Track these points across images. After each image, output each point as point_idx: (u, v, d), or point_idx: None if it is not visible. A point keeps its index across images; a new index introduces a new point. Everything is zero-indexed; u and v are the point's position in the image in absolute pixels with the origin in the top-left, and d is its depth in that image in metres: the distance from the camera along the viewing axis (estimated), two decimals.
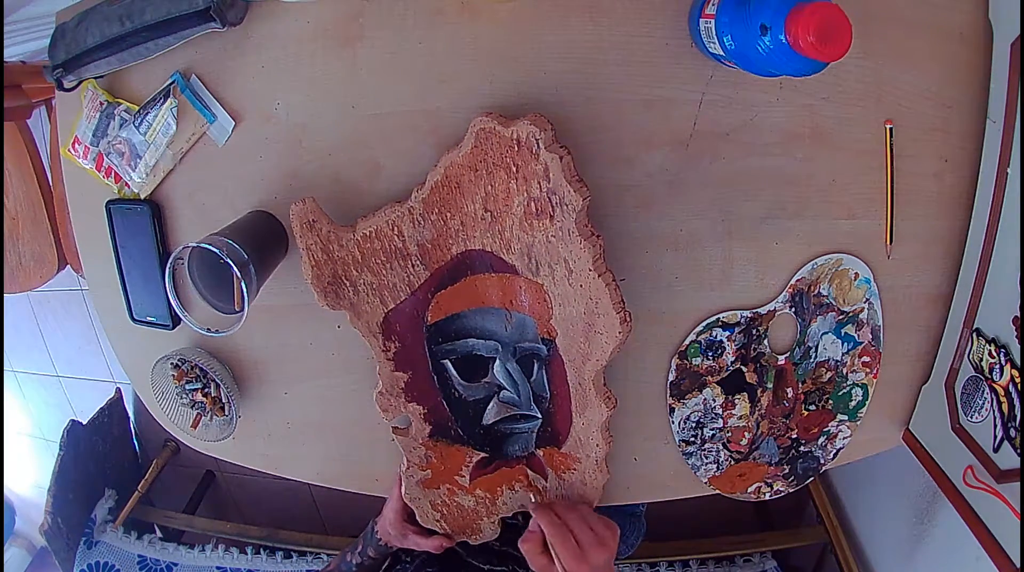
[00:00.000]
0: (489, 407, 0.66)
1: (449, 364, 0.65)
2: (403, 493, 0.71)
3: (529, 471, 0.68)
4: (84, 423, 1.57)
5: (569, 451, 0.66)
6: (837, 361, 0.67)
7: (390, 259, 0.60)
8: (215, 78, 0.64)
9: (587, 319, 0.57)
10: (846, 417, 0.69)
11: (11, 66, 0.94)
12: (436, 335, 0.63)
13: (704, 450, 0.70)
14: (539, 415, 0.65)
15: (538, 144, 0.52)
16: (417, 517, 0.73)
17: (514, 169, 0.54)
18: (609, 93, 0.58)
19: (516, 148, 0.53)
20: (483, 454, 0.68)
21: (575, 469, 0.66)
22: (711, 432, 0.69)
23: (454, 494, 0.71)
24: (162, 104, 0.64)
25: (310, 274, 0.61)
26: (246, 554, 1.38)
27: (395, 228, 0.59)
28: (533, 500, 0.67)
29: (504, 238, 0.57)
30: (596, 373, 0.59)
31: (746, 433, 0.69)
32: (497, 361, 0.63)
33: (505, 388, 0.64)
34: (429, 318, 0.63)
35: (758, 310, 0.64)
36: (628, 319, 0.56)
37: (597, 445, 0.63)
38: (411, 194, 0.58)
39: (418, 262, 0.60)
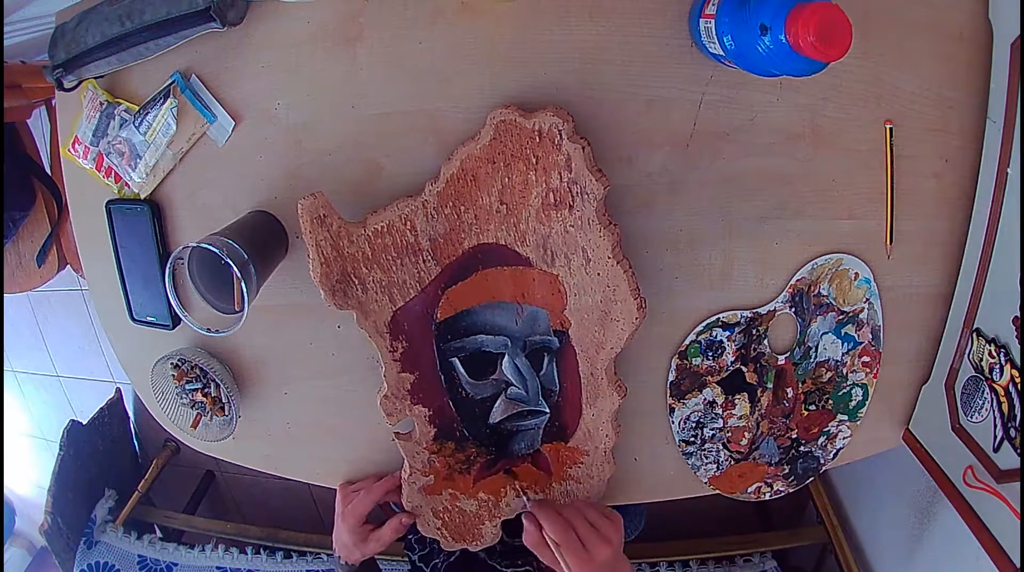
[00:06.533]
0: (496, 405, 0.65)
1: (457, 362, 0.64)
2: (405, 500, 0.70)
3: (527, 471, 0.68)
4: (84, 423, 1.57)
5: (577, 444, 0.66)
6: (837, 361, 0.67)
7: (401, 255, 0.59)
8: (215, 78, 0.64)
9: (603, 307, 0.57)
10: (846, 417, 0.69)
11: (11, 66, 0.94)
12: (445, 332, 0.63)
13: (704, 450, 0.70)
14: (547, 410, 0.65)
15: (560, 135, 0.52)
16: (418, 525, 0.72)
17: (534, 160, 0.54)
18: (609, 93, 0.58)
19: (537, 139, 0.53)
20: (487, 457, 0.68)
21: (582, 463, 0.66)
22: (711, 432, 0.69)
23: (456, 499, 0.70)
24: (162, 104, 0.64)
25: (319, 272, 0.57)
26: (246, 554, 1.38)
27: (408, 222, 0.58)
28: (528, 500, 0.66)
29: (519, 230, 0.57)
30: (610, 361, 0.60)
31: (746, 433, 0.69)
32: (506, 357, 0.63)
33: (513, 384, 0.64)
34: (439, 315, 0.62)
35: (758, 310, 0.64)
36: (644, 305, 0.57)
37: (607, 436, 0.63)
38: (424, 187, 0.58)
39: (429, 257, 0.59)
